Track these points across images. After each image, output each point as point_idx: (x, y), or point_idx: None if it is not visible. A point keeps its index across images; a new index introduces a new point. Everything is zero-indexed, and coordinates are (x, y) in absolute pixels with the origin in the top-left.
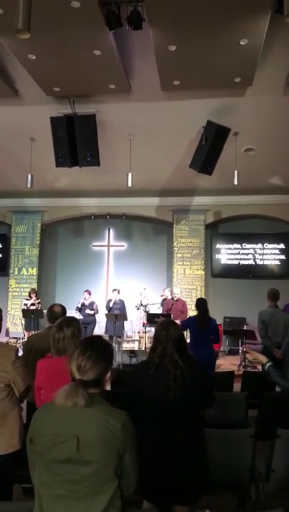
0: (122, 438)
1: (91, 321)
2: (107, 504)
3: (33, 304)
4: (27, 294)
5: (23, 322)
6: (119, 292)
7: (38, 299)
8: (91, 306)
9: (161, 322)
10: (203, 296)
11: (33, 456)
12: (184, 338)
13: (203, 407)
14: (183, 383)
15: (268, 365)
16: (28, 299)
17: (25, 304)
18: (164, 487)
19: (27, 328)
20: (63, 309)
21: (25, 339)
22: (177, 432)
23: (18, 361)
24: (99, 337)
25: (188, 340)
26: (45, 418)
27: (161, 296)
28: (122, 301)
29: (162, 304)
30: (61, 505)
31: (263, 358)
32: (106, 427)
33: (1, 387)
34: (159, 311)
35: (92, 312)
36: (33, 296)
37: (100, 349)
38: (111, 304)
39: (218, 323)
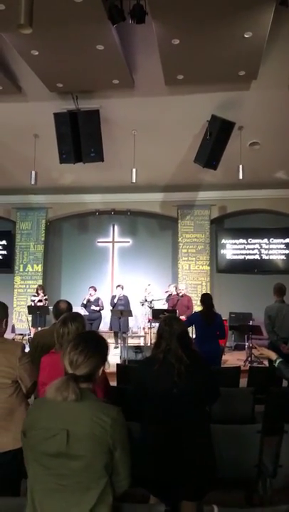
0: (112, 434)
1: (96, 317)
2: (96, 500)
3: (40, 301)
4: (32, 290)
5: (29, 318)
6: (123, 288)
7: (45, 295)
8: (96, 302)
9: (164, 318)
10: (208, 292)
11: (26, 449)
12: (188, 334)
13: (209, 402)
14: (188, 378)
15: (278, 361)
16: (35, 296)
17: (33, 301)
18: (170, 482)
19: (34, 324)
20: (69, 305)
21: (32, 335)
22: (183, 427)
23: (25, 357)
24: (93, 332)
25: (193, 336)
26: (37, 412)
27: (166, 292)
28: (126, 297)
29: (167, 300)
30: (52, 499)
31: (273, 354)
32: (96, 422)
33: (8, 384)
34: (165, 307)
35: (97, 308)
36: (40, 292)
37: (93, 344)
38: (115, 300)
39: (223, 318)
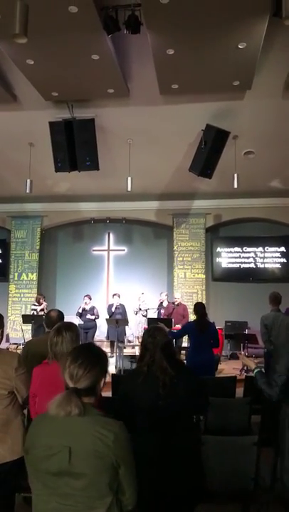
0: (115, 449)
1: (92, 326)
2: None
3: (42, 310)
4: (27, 299)
5: (24, 328)
6: (120, 297)
7: (40, 304)
8: (92, 311)
9: (148, 329)
10: (204, 300)
11: (29, 468)
12: (172, 344)
13: (198, 412)
14: (173, 390)
15: (255, 371)
16: (35, 305)
17: (34, 310)
18: (157, 496)
19: (36, 334)
20: (60, 314)
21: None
22: (170, 439)
23: (21, 368)
24: (91, 344)
25: (187, 345)
26: (38, 429)
27: (159, 300)
28: (123, 306)
29: (159, 309)
30: None
31: (252, 364)
32: (98, 437)
33: (4, 395)
34: (156, 314)
35: (92, 317)
36: (42, 301)
37: (93, 356)
38: (113, 309)
39: (219, 327)
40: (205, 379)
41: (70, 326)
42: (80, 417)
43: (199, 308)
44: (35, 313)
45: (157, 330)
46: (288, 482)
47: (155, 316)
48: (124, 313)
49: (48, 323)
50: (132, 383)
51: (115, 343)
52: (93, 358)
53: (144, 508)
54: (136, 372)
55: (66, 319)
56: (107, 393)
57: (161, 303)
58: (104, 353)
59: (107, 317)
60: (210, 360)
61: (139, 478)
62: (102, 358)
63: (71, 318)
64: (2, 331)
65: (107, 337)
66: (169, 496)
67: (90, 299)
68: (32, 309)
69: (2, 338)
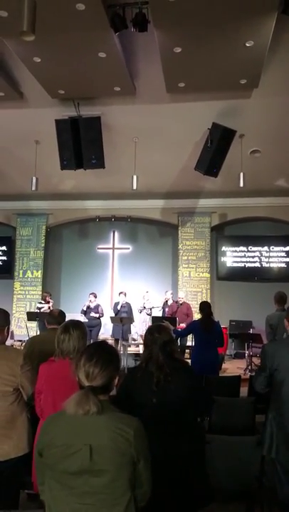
0: (136, 444)
1: (96, 324)
2: None
3: (48, 308)
4: (32, 296)
5: (28, 325)
6: (126, 295)
7: (48, 303)
8: (96, 309)
9: (150, 327)
10: (208, 299)
11: (43, 469)
12: (173, 343)
13: (199, 414)
14: (167, 388)
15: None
16: (41, 303)
17: (38, 308)
18: (157, 497)
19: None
20: (61, 311)
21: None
22: (166, 439)
23: (27, 365)
24: (104, 342)
25: (191, 344)
26: (54, 429)
27: (165, 299)
28: (129, 304)
29: (164, 307)
30: None
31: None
32: (119, 433)
33: (9, 391)
34: (160, 313)
35: (97, 315)
36: (49, 299)
37: (107, 354)
38: (119, 307)
39: (223, 326)
40: (209, 378)
41: (78, 324)
42: (98, 414)
43: (205, 307)
44: (39, 311)
45: (157, 328)
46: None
47: (160, 314)
48: (130, 311)
49: (49, 320)
50: (130, 378)
51: (120, 341)
52: (107, 356)
53: (148, 508)
54: (135, 368)
55: (70, 317)
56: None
57: (166, 301)
58: (116, 352)
59: (112, 315)
60: (215, 359)
61: None
62: (115, 356)
63: (76, 315)
64: (8, 328)
65: (112, 335)
66: (169, 497)
67: (96, 297)
68: (37, 307)
69: (8, 335)
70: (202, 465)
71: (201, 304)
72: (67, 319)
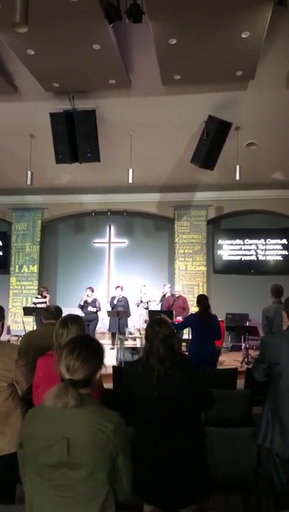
0: (114, 439)
1: (93, 319)
2: (100, 510)
3: (44, 303)
4: (28, 291)
5: (25, 320)
6: (122, 289)
7: (45, 297)
8: (93, 303)
9: (150, 320)
10: (205, 293)
11: (24, 461)
12: (174, 336)
13: (200, 408)
14: (167, 381)
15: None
16: (38, 297)
17: (34, 303)
18: (160, 490)
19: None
20: (58, 307)
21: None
22: (168, 432)
23: (21, 360)
24: (87, 336)
25: (188, 337)
26: (34, 421)
27: (163, 292)
28: (126, 298)
29: (161, 301)
30: None
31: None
32: (98, 428)
33: (4, 387)
34: (159, 307)
35: (94, 309)
36: (45, 294)
37: (89, 348)
38: (115, 301)
39: (220, 319)
40: (207, 371)
41: (77, 318)
42: (77, 408)
43: (202, 300)
44: (35, 306)
45: (157, 321)
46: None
47: (158, 308)
48: (126, 305)
49: (46, 315)
50: (131, 372)
51: (116, 335)
52: (90, 349)
53: (150, 501)
54: (136, 361)
55: (67, 311)
56: (108, 385)
57: (164, 295)
58: (100, 345)
59: (109, 309)
60: (212, 352)
61: (142, 471)
62: (98, 350)
63: (72, 310)
64: (3, 323)
65: (109, 329)
66: (170, 491)
67: (93, 291)
68: (33, 302)
69: (2, 330)
70: (203, 457)
71: (198, 297)
72: (64, 314)
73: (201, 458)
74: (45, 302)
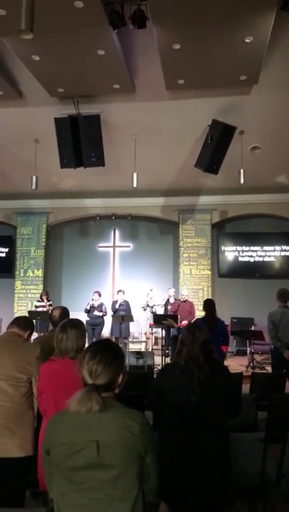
0: (142, 438)
1: (100, 323)
2: (130, 511)
3: (44, 307)
4: (33, 295)
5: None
6: (124, 293)
7: (49, 300)
8: (100, 307)
9: (188, 325)
10: (210, 297)
11: (51, 467)
12: (211, 342)
13: (231, 415)
14: (207, 388)
15: None
16: (39, 301)
17: (36, 307)
18: (188, 494)
19: (41, 329)
20: (62, 311)
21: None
22: (201, 438)
23: (41, 359)
24: (108, 340)
25: None
26: (58, 427)
27: (168, 295)
28: (127, 302)
29: (165, 305)
30: None
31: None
32: (124, 428)
33: (23, 379)
34: (162, 310)
35: (100, 314)
36: (44, 298)
37: (111, 352)
38: (117, 306)
39: (225, 323)
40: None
41: (77, 322)
42: (101, 412)
43: (209, 305)
44: (35, 310)
45: (196, 326)
46: None
47: (162, 312)
48: (128, 309)
49: (52, 322)
50: (168, 376)
51: (120, 340)
52: (111, 354)
53: (174, 507)
54: (173, 365)
55: (72, 316)
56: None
57: (168, 299)
58: (121, 350)
59: (112, 313)
60: (219, 357)
61: (168, 476)
62: (119, 354)
63: (78, 314)
64: (30, 333)
65: (111, 333)
66: (196, 497)
67: (100, 295)
68: (35, 306)
69: (29, 338)
70: (228, 462)
71: (205, 301)
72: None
73: (226, 464)
74: (45, 306)
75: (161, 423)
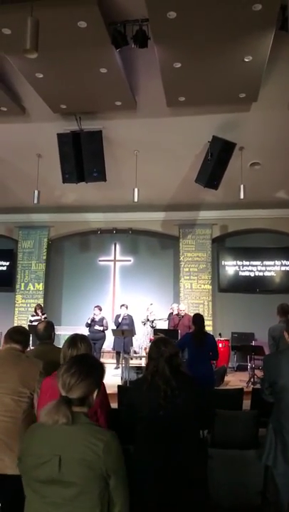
0: (106, 459)
1: (100, 337)
2: None
3: (38, 320)
4: (33, 309)
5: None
6: (127, 308)
7: (43, 314)
8: (101, 322)
9: (155, 340)
10: (210, 311)
11: (22, 475)
12: (178, 356)
13: (201, 427)
14: (173, 401)
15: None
16: (34, 315)
17: (31, 321)
18: (162, 507)
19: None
20: (47, 324)
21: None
22: (171, 451)
23: (43, 375)
24: (87, 354)
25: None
26: (31, 437)
27: (171, 309)
28: (131, 317)
29: (168, 319)
30: None
31: None
32: (88, 446)
33: (26, 394)
34: (166, 324)
35: (101, 328)
36: (38, 312)
37: (87, 366)
38: (120, 320)
39: (225, 338)
40: (207, 392)
41: (84, 337)
42: (69, 426)
43: (198, 319)
44: (30, 324)
45: (163, 341)
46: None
47: (165, 326)
48: (131, 324)
49: (36, 336)
50: (136, 391)
51: (121, 354)
52: (87, 368)
53: None
54: (141, 380)
55: (72, 330)
56: (113, 404)
57: (171, 313)
58: (100, 364)
59: (114, 328)
60: (208, 372)
61: (141, 488)
62: (96, 369)
63: (77, 328)
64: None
65: (113, 348)
66: (170, 507)
67: (101, 310)
68: (29, 320)
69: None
70: (203, 474)
71: (194, 316)
72: (70, 333)
73: (199, 476)
74: (40, 320)
75: (135, 436)
